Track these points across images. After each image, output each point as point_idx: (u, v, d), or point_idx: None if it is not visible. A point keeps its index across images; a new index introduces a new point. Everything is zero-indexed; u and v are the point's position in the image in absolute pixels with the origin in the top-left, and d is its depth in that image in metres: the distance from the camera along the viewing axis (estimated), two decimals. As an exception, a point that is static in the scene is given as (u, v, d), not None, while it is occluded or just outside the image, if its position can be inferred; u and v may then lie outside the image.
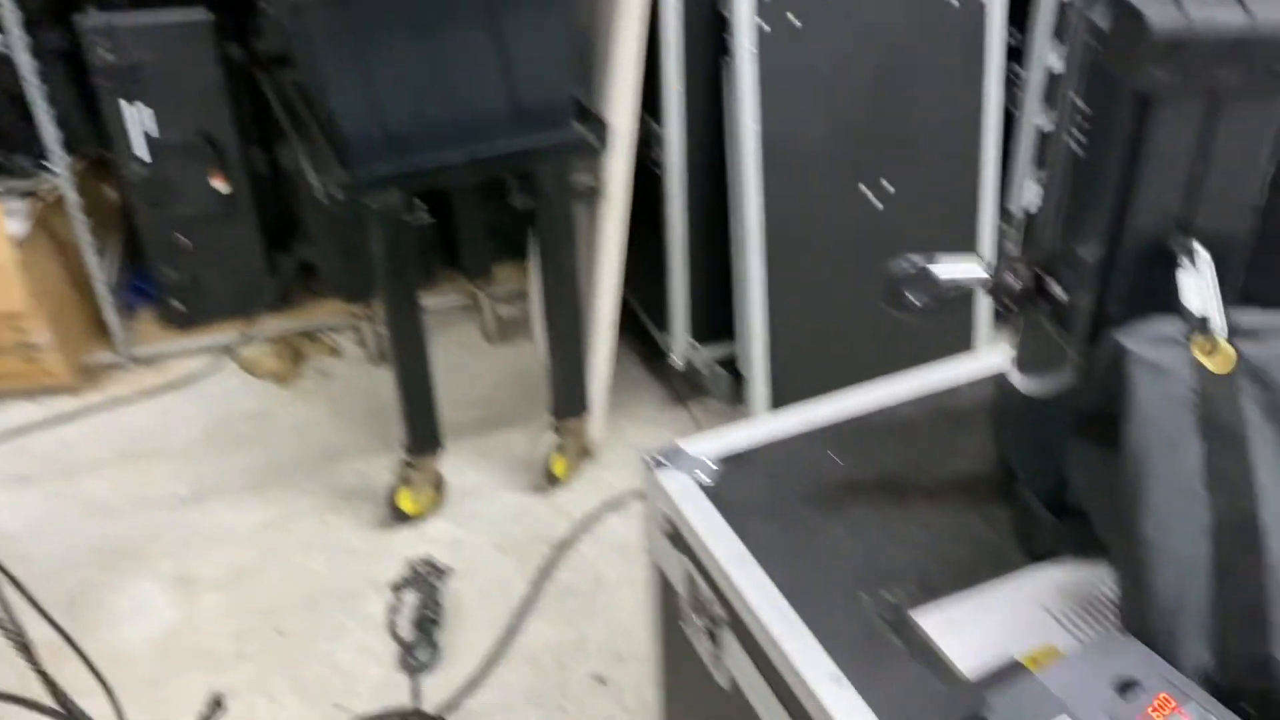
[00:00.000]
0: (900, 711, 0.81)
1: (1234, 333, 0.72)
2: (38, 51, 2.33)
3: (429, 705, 1.83)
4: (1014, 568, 0.95)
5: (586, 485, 2.30)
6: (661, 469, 1.08)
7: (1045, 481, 0.93)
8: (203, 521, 2.27)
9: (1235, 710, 0.71)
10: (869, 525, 1.00)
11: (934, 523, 1.00)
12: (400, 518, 2.19)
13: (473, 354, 2.78)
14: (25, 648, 1.41)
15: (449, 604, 2.03)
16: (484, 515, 2.24)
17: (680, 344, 2.38)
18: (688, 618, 1.08)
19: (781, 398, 2.28)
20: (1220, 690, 0.71)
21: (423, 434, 2.11)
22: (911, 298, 0.92)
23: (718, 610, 1.00)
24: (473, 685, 1.87)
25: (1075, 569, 0.93)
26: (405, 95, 1.79)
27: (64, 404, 2.64)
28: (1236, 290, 0.77)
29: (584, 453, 2.31)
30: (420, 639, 1.95)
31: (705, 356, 2.43)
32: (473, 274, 2.75)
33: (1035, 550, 0.95)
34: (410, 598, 2.04)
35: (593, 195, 2.03)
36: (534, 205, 1.94)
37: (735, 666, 1.00)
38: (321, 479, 2.37)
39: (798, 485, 1.06)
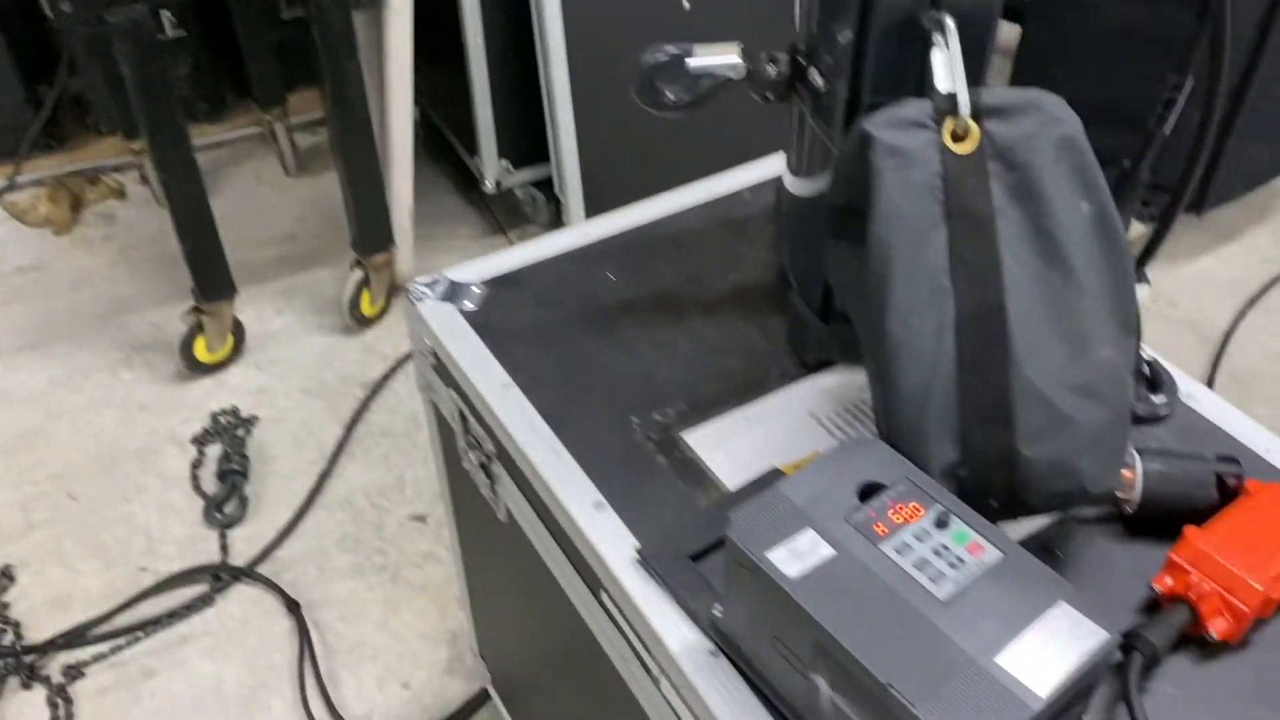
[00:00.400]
0: (660, 530, 0.78)
1: (981, 111, 0.67)
2: None
3: (238, 559, 1.76)
4: (789, 379, 0.91)
5: (398, 323, 2.20)
6: (423, 299, 1.00)
7: (815, 287, 0.89)
8: (-23, 385, 2.08)
9: (982, 506, 0.70)
10: (642, 345, 0.95)
11: (710, 338, 0.95)
12: (198, 368, 2.06)
13: (272, 188, 2.59)
14: None
15: (256, 454, 1.94)
16: (290, 360, 2.12)
17: (491, 168, 2.26)
18: (465, 453, 1.02)
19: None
20: (966, 486, 0.69)
21: (211, 277, 1.96)
22: (666, 91, 0.84)
23: (488, 444, 0.94)
24: (284, 535, 1.80)
25: (845, 374, 0.91)
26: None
27: None
28: (987, 66, 0.72)
29: (394, 288, 2.20)
30: (226, 492, 1.85)
31: (520, 180, 2.31)
32: (266, 102, 2.52)
33: (807, 359, 0.92)
34: (214, 450, 1.94)
35: (370, 2, 1.85)
36: (306, 15, 1.74)
37: (508, 499, 0.95)
38: (110, 333, 2.19)
39: (570, 307, 0.99)
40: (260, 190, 2.58)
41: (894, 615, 0.60)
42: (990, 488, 0.69)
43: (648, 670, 0.76)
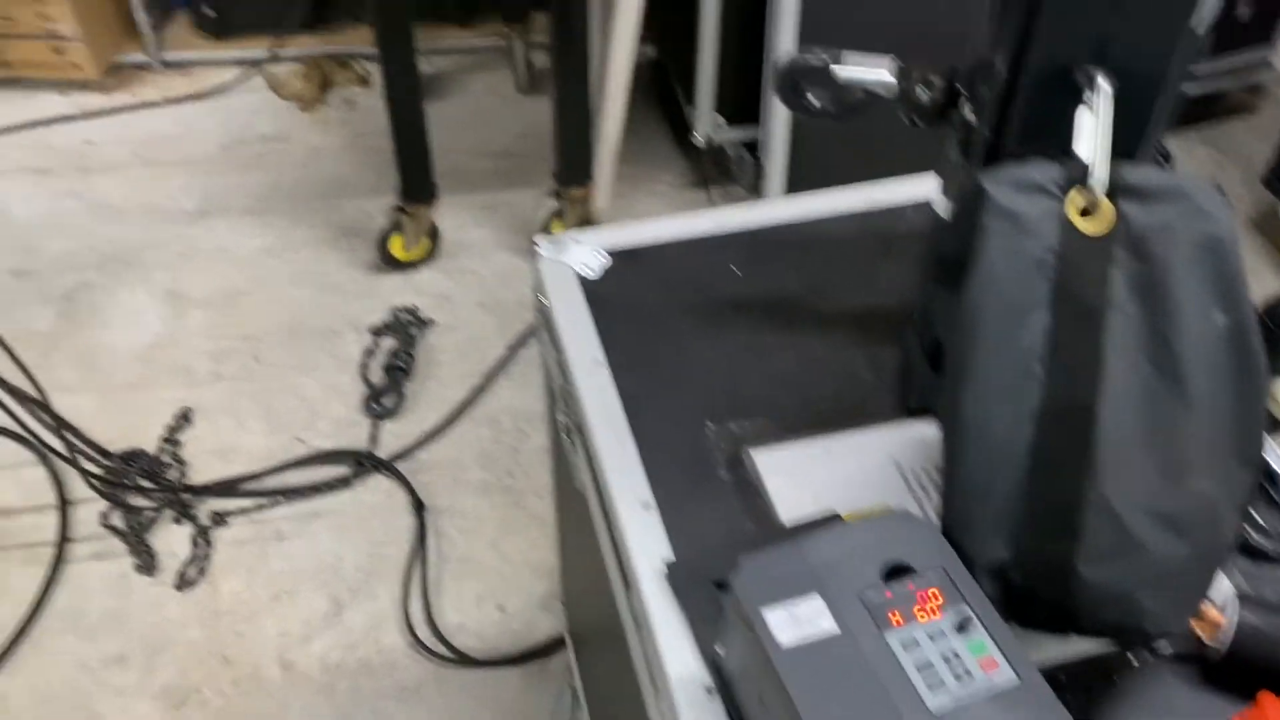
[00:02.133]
0: (696, 546, 0.76)
1: (1118, 189, 0.59)
2: None
3: (384, 451, 1.86)
4: (884, 420, 0.86)
5: (583, 256, 2.23)
6: (548, 256, 1.00)
7: (932, 327, 0.83)
8: (203, 238, 2.28)
9: (1027, 617, 0.63)
10: (744, 348, 0.92)
11: (814, 355, 0.91)
12: (391, 263, 2.17)
13: (502, 102, 2.66)
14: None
15: (423, 355, 2.03)
16: (475, 272, 2.20)
17: (705, 121, 2.23)
18: (557, 407, 1.03)
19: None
20: (1013, 591, 0.63)
21: (415, 181, 2.04)
22: (811, 97, 0.79)
23: (572, 413, 0.94)
24: (428, 438, 1.88)
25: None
26: None
27: (91, 100, 2.62)
28: (1148, 139, 0.63)
29: (586, 222, 2.22)
30: (389, 385, 1.96)
31: (731, 137, 2.27)
32: (509, 16, 2.58)
33: (909, 402, 0.86)
34: (387, 343, 2.04)
35: (609, -60, 1.84)
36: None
37: (581, 470, 0.95)
38: (324, 212, 2.34)
39: (686, 294, 0.97)
40: (490, 101, 2.66)
41: (874, 716, 0.56)
42: (1039, 600, 0.62)
43: (654, 685, 0.75)
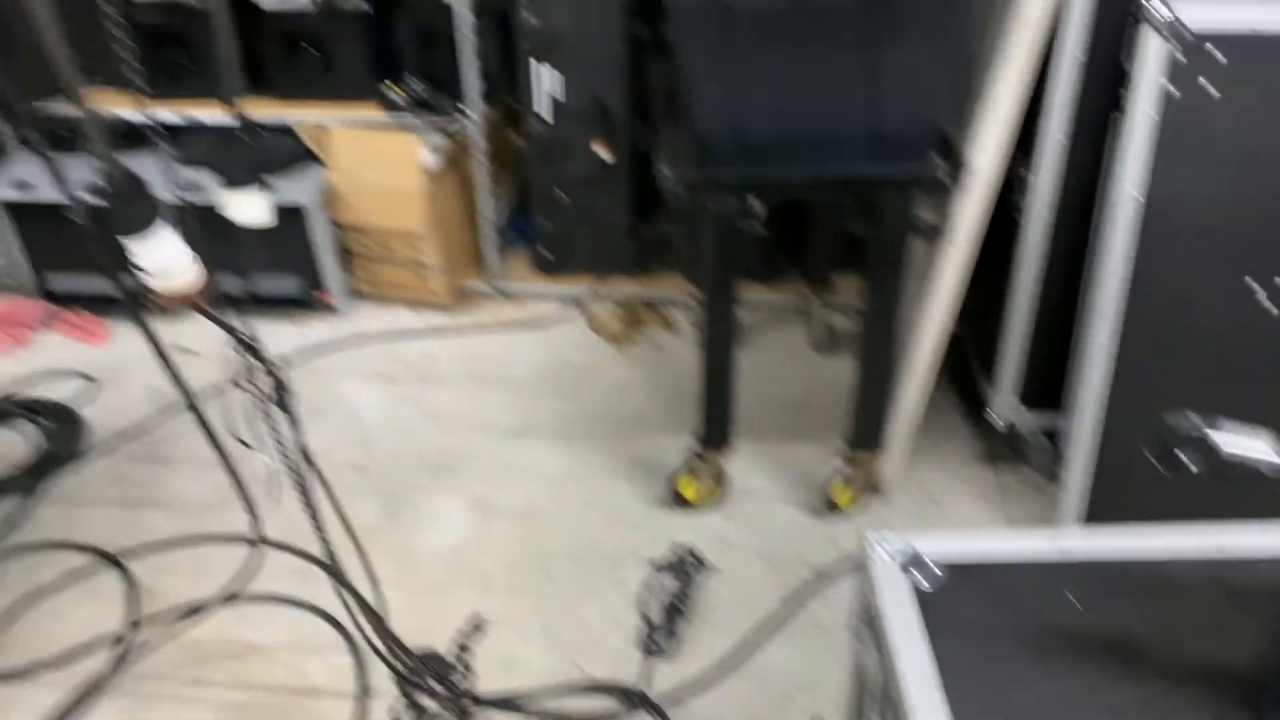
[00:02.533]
0: None
1: None
2: (476, 8, 2.61)
3: (654, 692, 1.90)
4: (1239, 793, 0.81)
5: (867, 522, 2.24)
6: (880, 553, 1.04)
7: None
8: (515, 454, 2.48)
9: None
10: (1082, 692, 0.90)
11: (1159, 707, 0.88)
12: (678, 502, 2.27)
13: (796, 359, 2.78)
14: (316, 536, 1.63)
15: (700, 598, 2.08)
16: (757, 522, 2.26)
17: (1004, 403, 2.23)
18: (869, 705, 1.03)
19: (1104, 491, 2.07)
20: None
21: (714, 428, 2.16)
22: (1186, 461, 0.81)
23: (889, 715, 0.95)
24: (700, 686, 1.90)
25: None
26: (766, 107, 1.80)
27: (436, 319, 2.98)
28: None
29: (871, 487, 2.25)
30: (665, 624, 2.01)
31: (1030, 422, 2.26)
32: (812, 279, 2.74)
33: (1271, 783, 0.81)
34: (667, 581, 2.11)
35: (934, 234, 1.95)
36: (869, 233, 1.89)
37: (896, 783, 0.95)
38: (622, 444, 2.50)
39: (1022, 619, 0.97)
40: (785, 358, 2.79)
41: None
42: None
43: None
